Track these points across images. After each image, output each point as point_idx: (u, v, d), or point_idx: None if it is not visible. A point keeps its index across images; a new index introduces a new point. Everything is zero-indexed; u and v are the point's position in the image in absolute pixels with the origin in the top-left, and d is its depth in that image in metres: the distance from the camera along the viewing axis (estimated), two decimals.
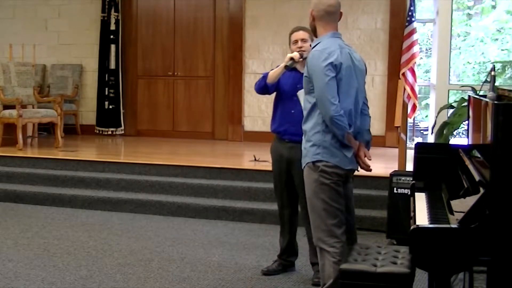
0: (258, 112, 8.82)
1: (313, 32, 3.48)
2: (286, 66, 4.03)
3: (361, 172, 3.52)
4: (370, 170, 3.44)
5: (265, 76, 4.19)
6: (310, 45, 3.88)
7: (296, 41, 4.11)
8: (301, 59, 4.04)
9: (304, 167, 3.36)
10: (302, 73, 4.09)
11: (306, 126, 3.35)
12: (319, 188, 3.28)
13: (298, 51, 4.05)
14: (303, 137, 3.41)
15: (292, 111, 4.10)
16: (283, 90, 4.19)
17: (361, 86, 3.41)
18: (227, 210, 5.87)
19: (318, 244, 3.35)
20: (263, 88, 4.20)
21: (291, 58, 4.01)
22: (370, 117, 3.53)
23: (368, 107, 3.51)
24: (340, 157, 3.27)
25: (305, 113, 3.37)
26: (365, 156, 3.38)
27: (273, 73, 4.14)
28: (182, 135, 9.11)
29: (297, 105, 4.06)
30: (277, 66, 4.19)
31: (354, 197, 5.34)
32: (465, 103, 4.78)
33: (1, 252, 4.78)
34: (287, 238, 4.35)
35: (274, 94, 4.30)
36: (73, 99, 9.45)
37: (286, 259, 4.38)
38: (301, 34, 4.11)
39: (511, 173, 2.46)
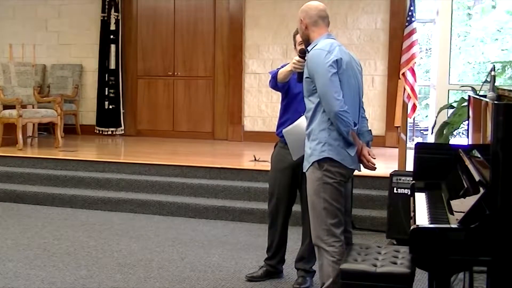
0: (258, 112, 8.82)
1: (306, 42, 3.40)
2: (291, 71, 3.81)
3: (361, 172, 3.52)
4: (375, 169, 3.42)
5: (274, 76, 3.98)
6: None
7: None
8: None
9: (309, 167, 3.36)
10: None
11: (310, 127, 3.33)
12: (322, 186, 3.28)
13: None
14: (306, 140, 3.39)
15: (302, 114, 3.90)
16: (295, 91, 3.97)
17: (361, 86, 3.43)
18: (227, 210, 5.87)
19: (317, 243, 3.35)
20: (274, 88, 4.04)
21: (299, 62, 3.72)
22: (367, 119, 3.54)
23: (364, 110, 3.51)
24: (344, 156, 3.27)
25: (308, 115, 3.35)
26: (369, 154, 3.37)
27: (283, 72, 3.90)
28: (182, 135, 9.11)
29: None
30: (284, 65, 3.98)
31: (354, 197, 5.42)
32: (465, 103, 4.78)
33: (1, 252, 4.78)
34: (276, 243, 4.22)
35: (279, 97, 4.17)
36: (73, 99, 9.45)
37: (272, 266, 4.25)
38: None
39: (511, 173, 2.46)
